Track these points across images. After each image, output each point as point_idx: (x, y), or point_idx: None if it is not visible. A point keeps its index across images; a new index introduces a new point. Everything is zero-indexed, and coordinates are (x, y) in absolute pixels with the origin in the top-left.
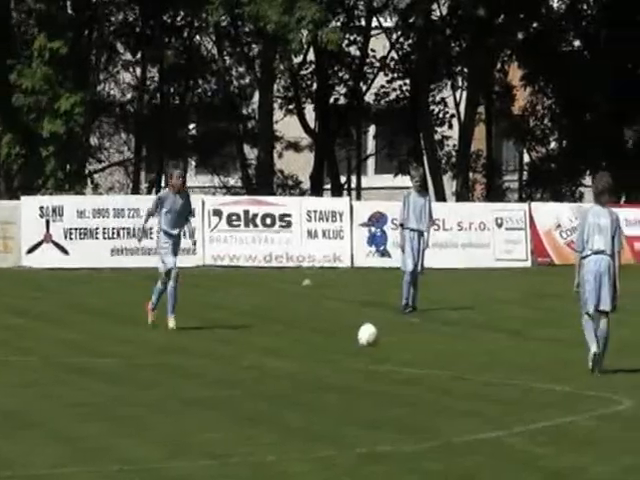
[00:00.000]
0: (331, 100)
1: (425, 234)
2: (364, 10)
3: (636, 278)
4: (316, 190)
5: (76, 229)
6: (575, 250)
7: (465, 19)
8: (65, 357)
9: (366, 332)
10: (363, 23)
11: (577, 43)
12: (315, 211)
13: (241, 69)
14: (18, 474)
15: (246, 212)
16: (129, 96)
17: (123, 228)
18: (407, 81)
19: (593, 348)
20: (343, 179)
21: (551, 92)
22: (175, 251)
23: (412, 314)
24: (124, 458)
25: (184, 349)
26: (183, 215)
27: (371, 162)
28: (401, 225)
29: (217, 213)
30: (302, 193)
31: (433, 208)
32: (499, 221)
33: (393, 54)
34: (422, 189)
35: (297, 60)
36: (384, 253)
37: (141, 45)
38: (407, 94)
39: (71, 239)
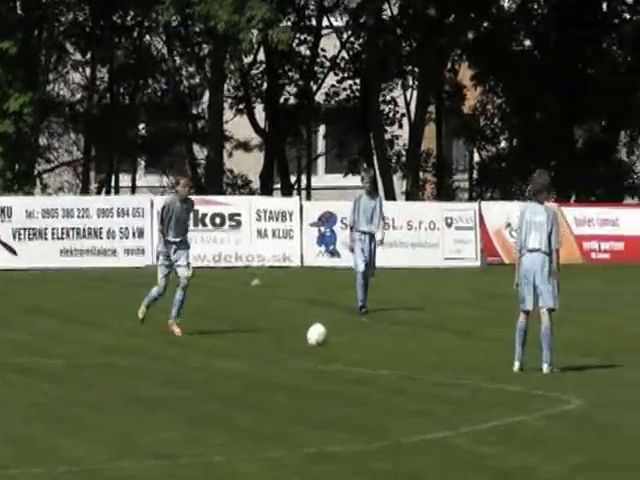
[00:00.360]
0: (281, 100)
1: (376, 235)
2: (315, 10)
3: (584, 277)
4: (266, 190)
5: (25, 229)
6: (516, 249)
7: (416, 19)
8: (11, 357)
9: (315, 332)
10: (314, 23)
11: (528, 43)
12: (265, 211)
13: (191, 69)
14: None
15: (195, 212)
16: (79, 96)
17: (72, 228)
18: (357, 81)
19: (516, 365)
20: (293, 179)
21: (501, 91)
22: (180, 259)
23: (362, 314)
24: (70, 459)
25: (132, 350)
26: (184, 223)
27: (321, 162)
28: (350, 228)
29: None
30: (252, 193)
31: (383, 206)
32: (449, 220)
33: (343, 54)
34: (372, 190)
35: (247, 60)
36: (334, 253)
37: (91, 45)
38: (357, 94)
39: (20, 239)
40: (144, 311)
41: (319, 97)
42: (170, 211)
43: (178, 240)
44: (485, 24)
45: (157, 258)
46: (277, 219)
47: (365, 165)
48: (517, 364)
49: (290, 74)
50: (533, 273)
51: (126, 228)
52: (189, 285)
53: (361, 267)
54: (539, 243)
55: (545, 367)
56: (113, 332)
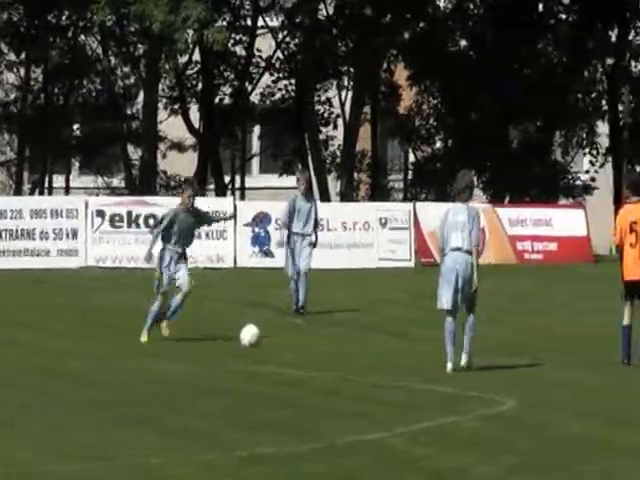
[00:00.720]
0: (216, 100)
1: (311, 237)
2: (250, 10)
3: (517, 277)
4: (199, 190)
5: None
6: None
7: (352, 19)
8: None
9: (248, 333)
10: (249, 23)
11: (463, 43)
12: None
13: (126, 69)
14: None
15: (129, 213)
16: (13, 96)
17: (5, 230)
18: (293, 81)
19: (449, 366)
20: (227, 179)
21: (437, 92)
22: (181, 270)
23: (297, 315)
24: (4, 462)
25: (66, 351)
26: (190, 234)
27: (255, 162)
28: (283, 225)
29: (100, 214)
30: None
31: (318, 209)
32: (383, 221)
33: (279, 54)
34: (308, 193)
35: (182, 60)
36: (267, 253)
37: (25, 45)
38: (292, 94)
39: None
40: (146, 334)
41: (254, 97)
42: (171, 220)
43: (180, 250)
44: (421, 24)
45: (159, 263)
46: None
47: (300, 166)
48: (450, 365)
49: (225, 74)
50: (455, 272)
51: (60, 229)
52: (189, 294)
53: (292, 272)
54: (461, 242)
55: (463, 357)
56: (51, 334)
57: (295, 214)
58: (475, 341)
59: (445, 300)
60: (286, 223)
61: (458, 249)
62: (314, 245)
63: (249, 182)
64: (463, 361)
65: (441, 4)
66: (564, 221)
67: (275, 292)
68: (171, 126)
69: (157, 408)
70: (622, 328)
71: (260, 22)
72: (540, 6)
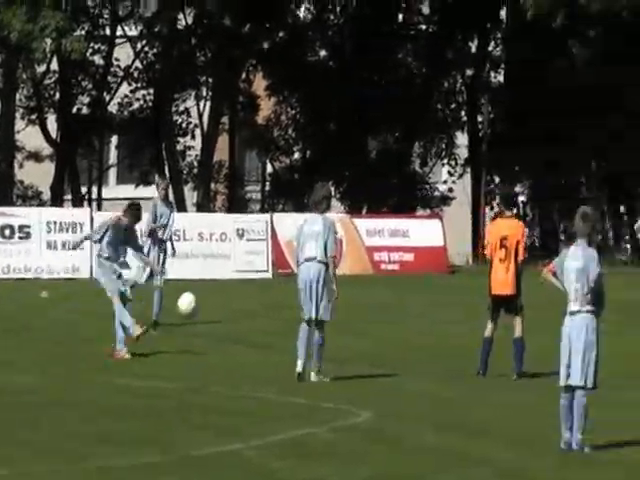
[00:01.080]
0: (74, 110)
1: (168, 243)
2: (109, 19)
3: (373, 287)
4: (57, 201)
5: None
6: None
7: (211, 28)
8: None
9: (186, 300)
10: (108, 32)
11: (323, 53)
12: (55, 222)
13: None
14: None
15: None
16: None
17: None
18: (151, 91)
19: (298, 367)
20: (84, 189)
21: (296, 102)
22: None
23: (152, 328)
24: None
25: None
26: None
27: (113, 172)
28: (149, 234)
29: None
30: (42, 204)
31: (175, 219)
32: (240, 232)
33: (137, 63)
34: (166, 199)
35: (40, 69)
36: (123, 264)
37: None
38: (150, 104)
39: None
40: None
41: (112, 107)
42: (111, 233)
43: (122, 260)
44: (281, 34)
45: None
46: (68, 230)
47: (159, 174)
48: (300, 365)
49: (83, 84)
50: (310, 282)
51: None
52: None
53: (140, 279)
54: (315, 252)
55: (313, 375)
56: None
57: (158, 219)
58: (326, 352)
59: (307, 310)
60: (154, 226)
61: (312, 259)
62: (172, 254)
63: (106, 193)
64: (313, 378)
65: (301, 14)
66: (421, 232)
67: (133, 304)
68: (28, 136)
69: (7, 420)
70: (483, 340)
71: (119, 31)
72: (400, 16)
